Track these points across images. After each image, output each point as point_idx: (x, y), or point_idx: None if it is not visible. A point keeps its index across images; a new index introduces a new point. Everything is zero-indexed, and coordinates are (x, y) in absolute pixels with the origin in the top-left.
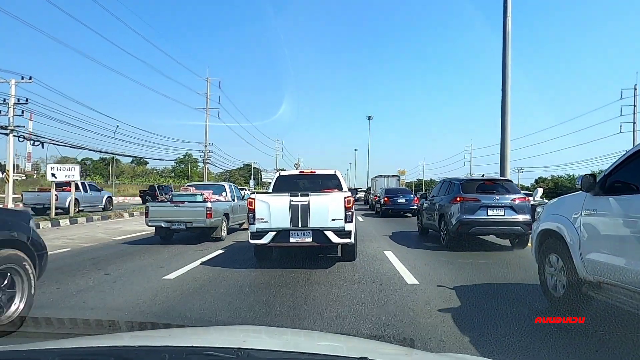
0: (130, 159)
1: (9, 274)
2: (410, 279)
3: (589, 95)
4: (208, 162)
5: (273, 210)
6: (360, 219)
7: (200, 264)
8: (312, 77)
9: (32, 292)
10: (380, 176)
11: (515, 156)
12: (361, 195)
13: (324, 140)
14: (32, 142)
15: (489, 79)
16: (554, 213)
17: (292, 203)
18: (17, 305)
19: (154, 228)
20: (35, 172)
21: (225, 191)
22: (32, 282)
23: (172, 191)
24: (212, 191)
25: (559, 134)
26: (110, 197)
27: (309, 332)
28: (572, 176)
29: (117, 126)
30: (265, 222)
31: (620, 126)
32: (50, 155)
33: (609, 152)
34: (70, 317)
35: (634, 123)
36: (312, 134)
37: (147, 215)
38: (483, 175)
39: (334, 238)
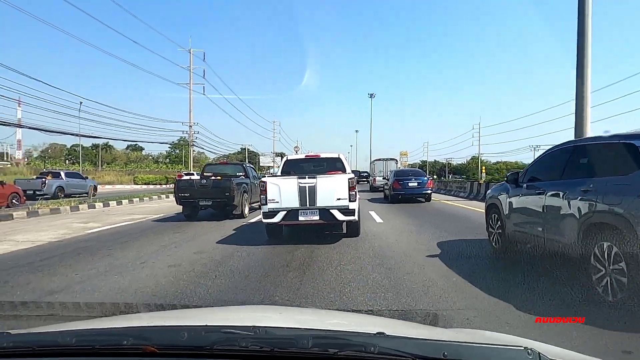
0: (125, 144)
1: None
2: None
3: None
4: (194, 144)
5: (283, 192)
6: (377, 218)
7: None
8: (315, 54)
9: None
10: (379, 160)
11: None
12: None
13: (324, 122)
14: None
15: (501, 55)
16: None
17: (301, 185)
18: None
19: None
20: (27, 159)
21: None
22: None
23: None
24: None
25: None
26: (95, 186)
27: (327, 311)
28: None
29: (81, 103)
30: (276, 202)
31: None
32: (43, 142)
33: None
34: (87, 301)
35: None
36: (311, 115)
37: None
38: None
39: (339, 216)
